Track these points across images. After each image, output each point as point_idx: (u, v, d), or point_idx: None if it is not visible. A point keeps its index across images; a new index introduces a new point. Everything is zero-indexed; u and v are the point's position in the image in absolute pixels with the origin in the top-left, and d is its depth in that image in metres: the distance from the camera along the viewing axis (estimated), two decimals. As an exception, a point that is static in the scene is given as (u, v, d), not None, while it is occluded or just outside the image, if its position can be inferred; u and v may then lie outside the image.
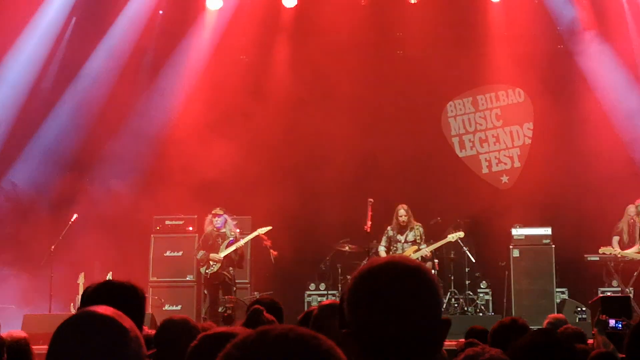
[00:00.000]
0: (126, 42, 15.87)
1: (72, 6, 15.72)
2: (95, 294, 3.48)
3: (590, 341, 7.26)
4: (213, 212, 13.71)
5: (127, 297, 3.40)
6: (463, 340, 6.08)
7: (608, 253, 13.83)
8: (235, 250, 13.61)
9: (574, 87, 16.17)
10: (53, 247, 13.78)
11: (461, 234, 14.07)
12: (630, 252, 13.74)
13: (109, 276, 13.35)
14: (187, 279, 14.98)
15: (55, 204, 15.13)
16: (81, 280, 13.18)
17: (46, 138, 15.91)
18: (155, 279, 14.91)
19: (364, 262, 13.58)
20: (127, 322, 2.14)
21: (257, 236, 13.81)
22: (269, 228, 13.75)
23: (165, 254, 15.10)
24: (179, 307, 14.43)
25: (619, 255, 13.69)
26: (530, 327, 5.50)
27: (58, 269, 13.85)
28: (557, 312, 13.44)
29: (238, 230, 13.95)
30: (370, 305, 2.05)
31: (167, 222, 15.33)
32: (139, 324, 3.23)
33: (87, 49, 15.86)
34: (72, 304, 13.30)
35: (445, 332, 2.09)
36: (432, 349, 2.07)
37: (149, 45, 16.48)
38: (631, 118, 15.59)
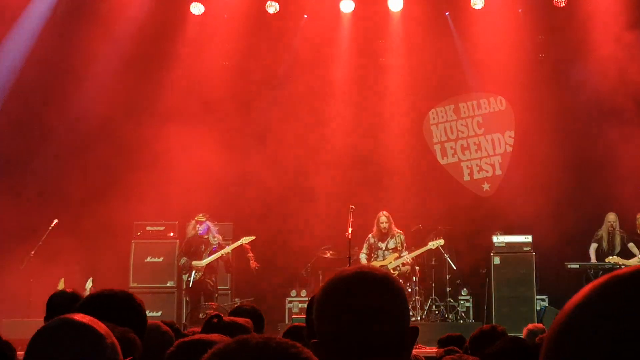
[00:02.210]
0: (109, 47, 15.81)
1: (53, 7, 15.67)
2: (95, 302, 3.39)
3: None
4: (196, 218, 13.68)
5: (128, 306, 3.32)
6: (438, 348, 6.07)
7: (613, 262, 13.90)
8: (219, 258, 13.59)
9: (555, 95, 16.27)
10: (33, 252, 13.71)
11: (441, 241, 14.12)
12: (633, 261, 13.86)
13: (89, 282, 13.31)
14: (168, 285, 14.94)
15: (35, 208, 15.03)
16: (61, 285, 13.09)
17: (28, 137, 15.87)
18: (135, 284, 14.84)
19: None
20: (102, 328, 2.13)
21: (240, 245, 13.79)
22: (253, 238, 13.74)
23: (145, 260, 15.05)
24: (159, 314, 14.36)
25: (623, 265, 13.80)
26: (510, 334, 5.50)
27: (37, 274, 13.76)
28: (537, 320, 13.53)
29: (221, 237, 13.91)
30: (337, 314, 2.08)
31: (148, 228, 15.28)
32: (141, 331, 3.19)
33: (70, 53, 15.78)
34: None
35: (413, 340, 2.13)
36: (399, 356, 2.10)
37: (131, 51, 16.42)
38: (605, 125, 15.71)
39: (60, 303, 4.92)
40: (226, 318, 4.00)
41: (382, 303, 2.08)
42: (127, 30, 16.09)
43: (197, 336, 3.00)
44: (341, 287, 2.11)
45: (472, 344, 5.08)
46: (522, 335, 7.33)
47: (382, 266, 13.62)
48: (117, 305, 3.22)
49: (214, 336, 2.89)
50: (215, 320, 3.85)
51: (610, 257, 13.96)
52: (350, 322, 2.05)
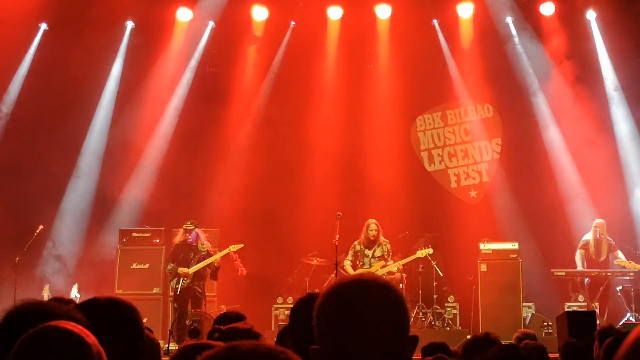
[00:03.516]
0: (95, 53, 15.77)
1: (42, 13, 15.66)
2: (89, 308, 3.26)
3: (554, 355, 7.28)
4: (184, 226, 13.61)
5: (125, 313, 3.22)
6: (422, 357, 6.03)
7: (623, 265, 13.93)
8: (208, 265, 13.55)
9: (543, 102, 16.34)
10: (18, 258, 13.62)
11: (430, 250, 14.06)
12: None
13: (75, 288, 13.23)
14: (154, 291, 14.86)
15: (20, 215, 14.95)
16: (46, 292, 13.04)
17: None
18: (121, 291, 14.74)
19: (332, 275, 13.57)
20: (89, 337, 2.11)
21: (227, 252, 13.76)
22: (241, 246, 13.69)
23: (131, 266, 14.97)
24: (144, 320, 14.24)
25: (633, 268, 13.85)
26: (497, 341, 5.47)
27: (22, 281, 13.68)
28: (524, 327, 13.53)
29: (210, 244, 13.86)
30: (338, 322, 2.07)
31: (134, 234, 15.21)
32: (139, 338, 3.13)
33: (57, 59, 15.73)
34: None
35: (413, 348, 2.12)
36: None
37: (118, 56, 16.40)
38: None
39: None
40: (227, 327, 3.98)
41: (382, 311, 2.07)
42: (118, 35, 16.12)
43: (201, 341, 3.00)
44: (342, 295, 2.10)
45: (465, 351, 5.06)
46: (512, 341, 7.30)
47: (367, 274, 13.57)
48: (112, 314, 3.12)
49: (219, 343, 2.88)
50: (216, 334, 3.84)
51: (621, 260, 13.96)
52: (351, 330, 2.04)
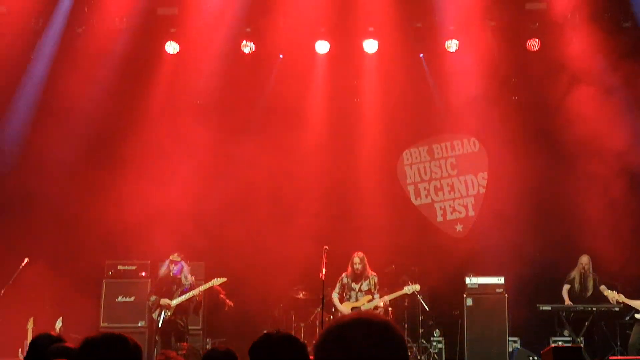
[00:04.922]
0: (88, 85, 15.76)
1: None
2: (95, 346, 3.24)
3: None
4: (171, 258, 13.57)
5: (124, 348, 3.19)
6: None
7: (611, 297, 13.88)
8: (190, 299, 13.49)
9: (528, 137, 16.38)
10: (3, 291, 13.52)
11: (417, 287, 13.98)
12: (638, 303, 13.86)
13: (59, 322, 13.12)
14: (139, 325, 14.78)
15: (5, 248, 14.86)
16: (30, 325, 12.92)
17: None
18: (106, 324, 14.68)
19: (318, 309, 13.52)
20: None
21: (212, 286, 13.71)
22: (224, 280, 13.65)
23: (117, 300, 14.91)
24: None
25: (620, 301, 13.80)
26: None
27: (6, 314, 13.57)
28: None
29: (193, 278, 13.82)
30: None
31: (120, 267, 15.15)
32: None
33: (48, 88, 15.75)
34: (19, 350, 13.03)
35: None
36: None
37: (108, 88, 16.38)
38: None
39: (44, 345, 4.91)
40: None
41: (382, 351, 2.06)
42: (105, 67, 16.10)
43: None
44: (341, 335, 2.09)
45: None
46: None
47: (353, 307, 13.57)
48: (114, 348, 3.09)
49: None
50: None
51: (609, 292, 13.92)
52: None
